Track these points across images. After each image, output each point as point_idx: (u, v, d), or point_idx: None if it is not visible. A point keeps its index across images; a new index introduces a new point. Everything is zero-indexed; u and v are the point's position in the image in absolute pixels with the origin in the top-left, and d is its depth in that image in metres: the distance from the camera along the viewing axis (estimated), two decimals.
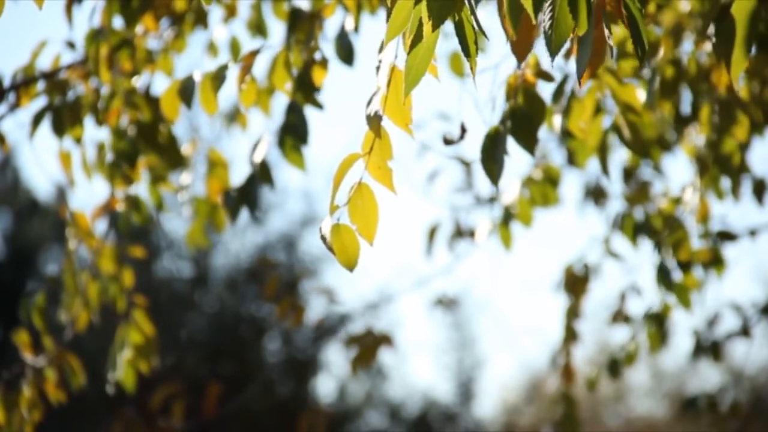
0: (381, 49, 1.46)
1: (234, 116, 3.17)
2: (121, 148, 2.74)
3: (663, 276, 3.11)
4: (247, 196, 2.52)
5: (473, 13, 1.40)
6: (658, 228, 3.13)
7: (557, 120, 2.19)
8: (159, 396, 4.13)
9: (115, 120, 2.72)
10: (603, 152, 2.31)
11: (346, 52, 2.52)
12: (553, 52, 1.34)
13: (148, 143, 2.71)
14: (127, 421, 4.12)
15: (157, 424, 4.29)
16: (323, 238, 1.50)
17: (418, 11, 1.39)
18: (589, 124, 2.08)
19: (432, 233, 3.90)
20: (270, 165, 2.54)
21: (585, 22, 1.33)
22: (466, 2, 1.39)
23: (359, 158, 1.51)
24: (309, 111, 2.42)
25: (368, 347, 3.82)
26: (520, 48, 1.64)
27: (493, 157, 1.89)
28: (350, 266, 1.51)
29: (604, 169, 2.35)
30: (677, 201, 3.08)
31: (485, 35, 1.42)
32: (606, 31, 1.42)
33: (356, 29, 2.53)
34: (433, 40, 1.40)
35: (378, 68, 1.47)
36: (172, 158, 2.76)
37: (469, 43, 1.42)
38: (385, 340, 3.84)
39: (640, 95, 2.38)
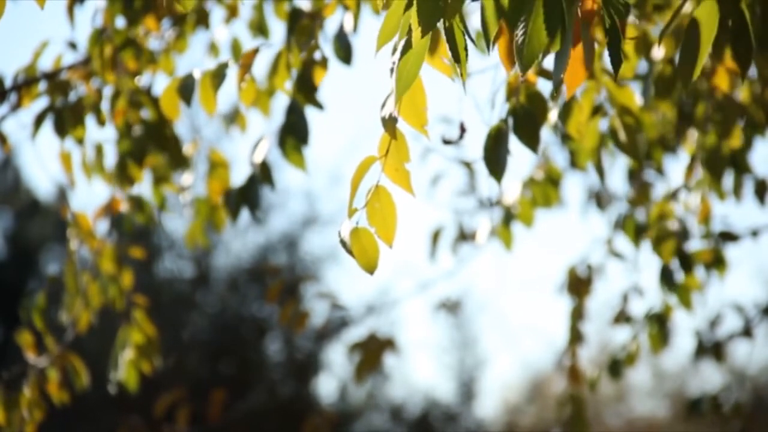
0: (393, 52, 1.45)
1: (233, 117, 3.17)
2: (128, 148, 2.74)
3: (666, 278, 3.11)
4: (248, 197, 2.52)
5: (462, 20, 1.40)
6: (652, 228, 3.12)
7: (554, 120, 2.18)
8: (163, 402, 4.11)
9: (121, 120, 2.72)
10: (598, 155, 2.29)
11: (344, 51, 2.51)
12: (524, 68, 1.31)
13: (155, 143, 2.71)
14: (132, 427, 4.11)
15: (161, 430, 4.27)
16: (343, 242, 1.48)
17: (408, 17, 1.38)
18: (585, 126, 2.06)
19: (435, 237, 3.88)
20: (271, 165, 2.54)
21: (559, 40, 1.30)
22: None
23: (376, 161, 1.50)
24: (309, 111, 2.42)
25: (372, 353, 3.80)
26: (508, 57, 1.62)
27: (495, 155, 1.88)
28: (371, 269, 1.49)
29: (600, 172, 2.33)
30: (671, 198, 3.07)
31: (474, 42, 1.41)
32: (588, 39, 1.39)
33: (355, 29, 2.53)
34: (422, 47, 1.39)
35: (392, 70, 1.46)
36: (176, 158, 2.77)
37: (459, 49, 1.41)
38: (388, 344, 3.83)
39: (638, 98, 2.38)
